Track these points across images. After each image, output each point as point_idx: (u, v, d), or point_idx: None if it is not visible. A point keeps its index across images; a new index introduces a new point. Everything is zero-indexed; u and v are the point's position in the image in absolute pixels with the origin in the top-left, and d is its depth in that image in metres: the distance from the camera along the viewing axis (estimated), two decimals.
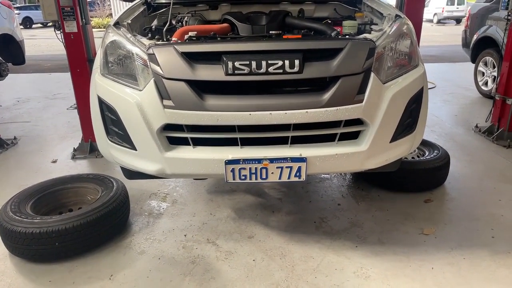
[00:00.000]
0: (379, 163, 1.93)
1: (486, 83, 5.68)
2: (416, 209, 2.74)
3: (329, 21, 2.35)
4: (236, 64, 1.72)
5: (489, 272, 2.10)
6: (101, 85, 1.97)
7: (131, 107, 1.84)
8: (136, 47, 1.90)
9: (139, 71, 1.87)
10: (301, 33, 2.14)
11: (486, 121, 4.33)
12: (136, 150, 1.92)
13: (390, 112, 1.85)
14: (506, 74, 3.95)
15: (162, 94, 1.80)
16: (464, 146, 3.89)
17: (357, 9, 2.71)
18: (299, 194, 2.98)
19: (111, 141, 2.02)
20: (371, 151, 1.87)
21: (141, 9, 2.58)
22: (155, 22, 2.65)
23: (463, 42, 6.44)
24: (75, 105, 3.91)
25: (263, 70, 1.73)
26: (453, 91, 6.14)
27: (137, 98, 1.84)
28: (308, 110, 1.75)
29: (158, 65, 1.79)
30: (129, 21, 2.23)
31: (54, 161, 3.75)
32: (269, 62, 1.72)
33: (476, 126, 4.31)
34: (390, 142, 1.94)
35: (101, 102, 1.97)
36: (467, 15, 6.50)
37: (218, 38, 1.99)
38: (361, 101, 1.79)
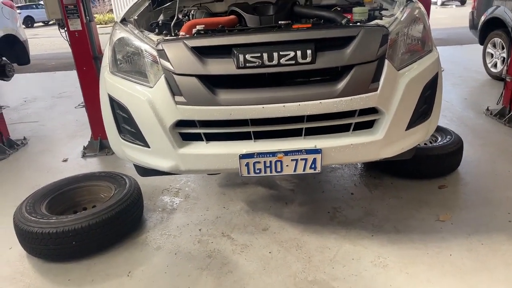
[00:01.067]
0: (395, 152, 1.91)
1: (495, 65, 5.58)
2: (431, 196, 2.71)
3: (339, 8, 2.30)
4: (247, 57, 1.69)
5: (508, 257, 2.08)
6: (111, 83, 1.96)
7: (143, 105, 1.82)
8: (144, 43, 1.88)
9: (149, 68, 1.85)
10: (310, 22, 2.10)
11: (497, 104, 4.26)
12: (149, 147, 1.91)
13: (405, 100, 1.82)
14: None
15: (174, 90, 1.79)
16: (476, 130, 3.84)
17: None
18: (311, 184, 2.97)
19: (124, 139, 2.01)
20: (386, 140, 1.84)
21: (146, 4, 2.55)
22: (161, 17, 2.61)
23: (470, 23, 6.31)
24: (83, 103, 3.90)
25: (275, 62, 1.70)
26: (461, 74, 6.05)
27: (148, 95, 1.82)
28: (322, 101, 1.72)
29: (168, 61, 1.77)
30: (136, 17, 2.21)
31: (65, 160, 3.76)
32: (281, 53, 1.69)
33: (487, 109, 4.25)
34: (406, 130, 1.91)
35: (112, 101, 1.96)
36: None
37: (227, 31, 1.96)
38: (376, 90, 1.76)
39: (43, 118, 5.16)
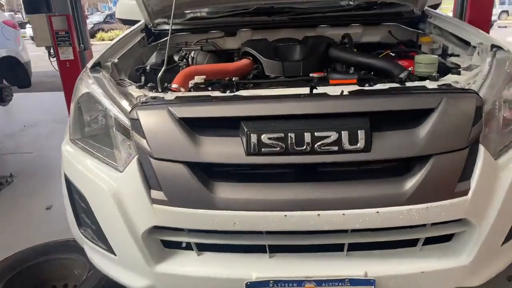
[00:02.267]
0: (486, 278, 1.25)
1: None
2: None
3: (392, 54, 1.68)
4: (263, 138, 1.09)
5: None
6: (68, 160, 1.38)
7: (106, 198, 1.22)
8: (114, 106, 1.28)
9: (119, 143, 1.25)
10: (354, 74, 1.48)
11: None
12: (115, 255, 1.30)
13: (508, 204, 1.17)
14: None
15: (150, 181, 1.19)
16: None
17: (420, 31, 2.03)
18: None
19: (84, 236, 1.41)
20: (476, 263, 1.19)
21: (138, 38, 1.97)
22: (152, 59, 2.02)
23: None
24: None
25: (305, 147, 1.09)
26: None
27: (114, 185, 1.22)
28: (380, 210, 1.10)
29: (144, 137, 1.18)
30: (116, 60, 1.61)
31: (48, 208, 3.23)
32: (316, 134, 1.08)
33: None
34: (502, 244, 1.25)
35: (69, 183, 1.37)
36: None
37: (236, 86, 1.35)
38: (466, 193, 1.13)
39: (39, 148, 4.68)
